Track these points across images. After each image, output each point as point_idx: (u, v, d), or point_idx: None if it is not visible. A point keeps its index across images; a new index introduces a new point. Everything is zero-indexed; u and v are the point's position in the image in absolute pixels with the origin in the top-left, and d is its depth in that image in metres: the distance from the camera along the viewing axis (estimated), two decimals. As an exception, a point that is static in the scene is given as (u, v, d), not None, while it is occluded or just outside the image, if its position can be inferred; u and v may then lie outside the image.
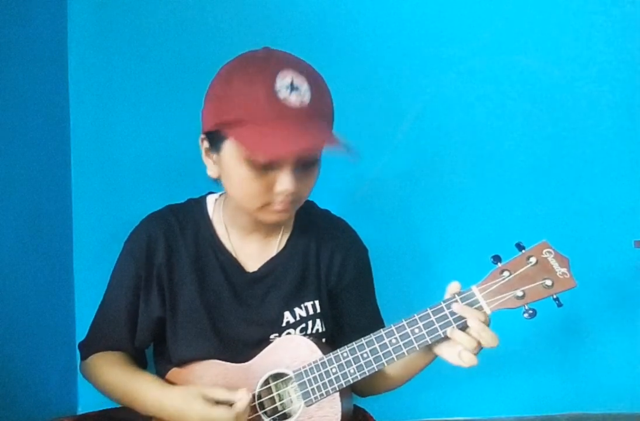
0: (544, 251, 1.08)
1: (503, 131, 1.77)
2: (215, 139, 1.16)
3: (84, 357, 1.32)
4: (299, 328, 1.26)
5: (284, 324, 1.25)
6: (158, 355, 1.33)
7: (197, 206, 1.32)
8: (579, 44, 1.76)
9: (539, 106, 1.77)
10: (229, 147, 1.14)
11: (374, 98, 1.77)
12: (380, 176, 1.74)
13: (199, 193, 1.36)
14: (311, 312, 1.27)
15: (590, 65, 1.76)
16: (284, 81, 1.09)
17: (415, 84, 1.77)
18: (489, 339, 1.08)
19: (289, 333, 1.25)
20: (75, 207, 1.74)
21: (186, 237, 1.28)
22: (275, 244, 1.30)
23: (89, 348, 1.31)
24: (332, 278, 1.31)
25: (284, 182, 1.12)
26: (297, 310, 1.26)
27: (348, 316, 1.33)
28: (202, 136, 1.19)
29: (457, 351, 1.10)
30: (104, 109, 1.73)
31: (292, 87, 1.08)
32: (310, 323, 1.27)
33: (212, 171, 1.21)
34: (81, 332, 1.36)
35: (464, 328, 1.09)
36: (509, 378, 1.76)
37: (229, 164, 1.15)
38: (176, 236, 1.27)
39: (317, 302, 1.28)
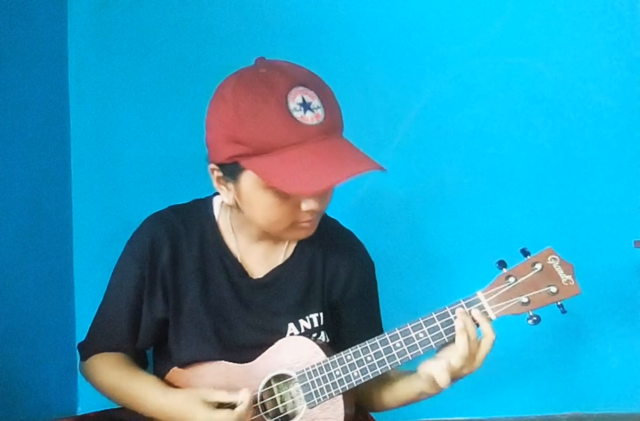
0: (549, 257, 1.08)
1: (503, 132, 1.77)
2: (230, 171, 1.12)
3: (83, 358, 1.31)
4: None
5: (287, 335, 1.23)
6: (158, 356, 1.32)
7: (203, 207, 1.29)
8: (579, 45, 1.77)
9: (539, 107, 1.77)
10: (248, 178, 1.10)
11: (374, 98, 1.77)
12: (381, 177, 1.73)
13: (199, 193, 1.33)
14: (316, 324, 1.25)
15: (590, 65, 1.77)
16: (295, 100, 1.05)
17: (415, 84, 1.77)
18: (478, 357, 1.08)
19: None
20: (75, 208, 1.74)
21: (190, 238, 1.25)
22: (282, 252, 1.27)
23: (88, 348, 1.30)
24: (336, 290, 1.28)
25: (311, 203, 1.11)
26: (302, 322, 1.24)
27: (349, 330, 1.30)
28: (212, 166, 1.14)
29: (441, 365, 1.07)
30: (104, 110, 1.73)
31: (305, 105, 1.06)
32: (315, 335, 1.25)
33: (227, 198, 1.17)
34: (81, 332, 1.35)
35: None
36: (509, 378, 1.76)
37: (250, 193, 1.12)
38: (180, 237, 1.25)
39: (321, 314, 1.26)
